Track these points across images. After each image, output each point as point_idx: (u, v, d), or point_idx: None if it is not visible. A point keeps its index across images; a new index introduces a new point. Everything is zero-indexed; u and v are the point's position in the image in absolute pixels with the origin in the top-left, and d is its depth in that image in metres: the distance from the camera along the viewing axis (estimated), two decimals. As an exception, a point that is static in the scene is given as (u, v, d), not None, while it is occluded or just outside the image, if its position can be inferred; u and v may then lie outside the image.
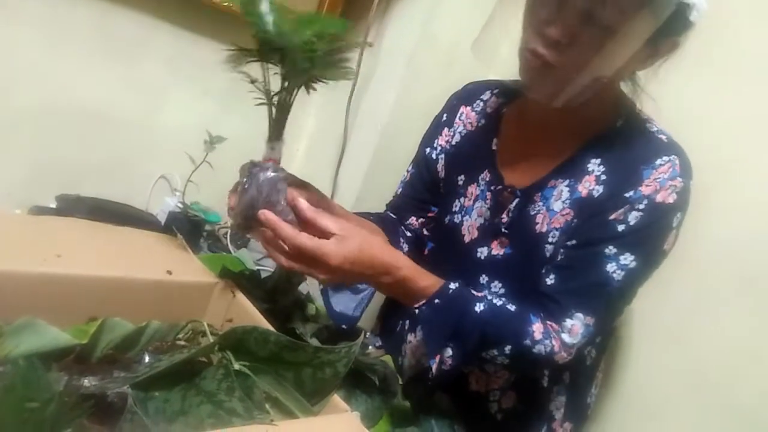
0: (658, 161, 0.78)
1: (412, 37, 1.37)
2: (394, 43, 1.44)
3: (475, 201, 0.92)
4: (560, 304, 0.80)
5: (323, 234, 0.73)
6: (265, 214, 0.73)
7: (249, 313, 0.74)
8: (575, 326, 0.79)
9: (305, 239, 0.72)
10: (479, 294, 0.83)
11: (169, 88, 1.33)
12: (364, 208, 1.41)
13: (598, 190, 0.80)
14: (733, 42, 1.02)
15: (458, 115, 1.00)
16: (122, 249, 0.79)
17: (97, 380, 0.56)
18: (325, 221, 0.74)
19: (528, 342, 0.79)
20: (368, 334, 1.01)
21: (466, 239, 0.93)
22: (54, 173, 1.22)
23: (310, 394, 0.62)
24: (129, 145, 1.31)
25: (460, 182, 0.95)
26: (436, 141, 1.02)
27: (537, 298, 0.82)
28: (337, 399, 0.64)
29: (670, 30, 0.72)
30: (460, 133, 0.99)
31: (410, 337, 0.97)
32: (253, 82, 0.74)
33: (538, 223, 0.85)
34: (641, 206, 0.77)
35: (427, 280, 0.81)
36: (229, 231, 1.33)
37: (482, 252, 0.90)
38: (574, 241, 0.81)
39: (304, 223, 0.74)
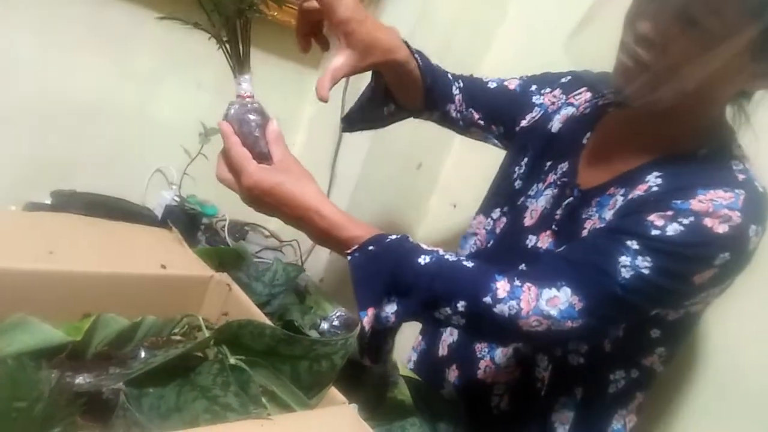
0: (720, 190, 0.70)
1: (411, 18, 1.36)
2: (392, 25, 1.42)
3: (547, 187, 0.90)
4: (551, 269, 0.73)
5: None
6: (221, 125, 0.75)
7: (245, 307, 0.73)
8: (557, 298, 0.70)
9: (237, 147, 0.74)
10: (429, 247, 0.75)
11: (162, 81, 1.31)
12: (363, 197, 1.41)
13: (641, 195, 0.75)
14: None
15: (577, 92, 0.96)
16: (116, 244, 0.78)
17: (91, 377, 0.56)
18: (275, 148, 0.75)
19: (488, 299, 0.70)
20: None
21: (526, 222, 0.90)
22: (49, 169, 1.21)
23: (307, 388, 0.62)
24: (124, 138, 1.30)
25: (547, 166, 0.92)
26: (545, 91, 0.99)
27: (527, 264, 0.77)
28: (334, 391, 0.63)
29: None
30: (566, 112, 0.95)
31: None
32: (197, 25, 0.75)
33: (585, 228, 0.81)
34: (685, 221, 0.69)
35: (359, 230, 0.74)
36: (227, 223, 1.32)
37: (531, 240, 0.88)
38: (603, 225, 0.77)
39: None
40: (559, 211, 0.86)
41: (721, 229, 0.68)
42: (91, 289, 0.67)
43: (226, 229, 1.30)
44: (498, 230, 0.96)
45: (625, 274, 0.69)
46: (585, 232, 0.80)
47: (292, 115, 1.52)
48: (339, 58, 0.81)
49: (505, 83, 1.03)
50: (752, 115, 0.79)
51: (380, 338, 0.74)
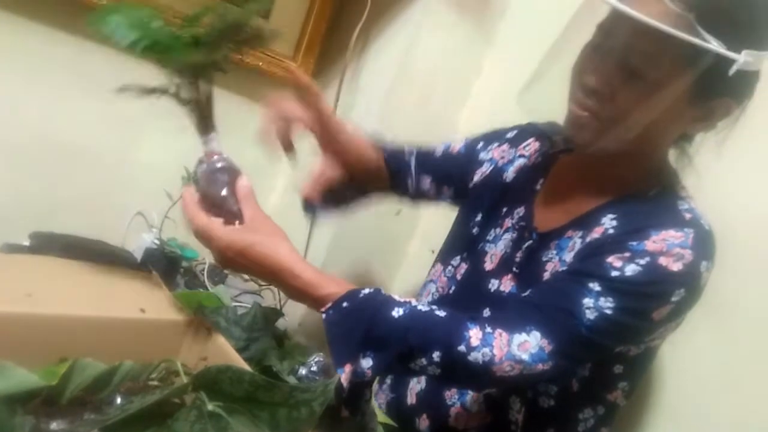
0: (671, 230, 0.74)
1: (390, 74, 1.40)
2: (372, 80, 1.46)
3: (505, 231, 0.93)
4: (520, 314, 0.75)
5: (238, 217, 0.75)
6: (184, 194, 0.75)
7: (224, 352, 0.73)
8: (527, 342, 0.72)
9: (198, 218, 0.73)
10: (401, 299, 0.76)
11: (145, 125, 1.32)
12: (343, 242, 1.42)
13: (600, 239, 0.78)
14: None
15: (525, 144, 1.00)
16: (95, 287, 0.78)
17: (65, 423, 0.55)
18: (245, 206, 0.75)
19: (462, 348, 0.71)
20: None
21: (487, 267, 0.92)
22: (28, 210, 1.20)
23: (285, 435, 0.61)
24: (105, 181, 1.30)
25: (503, 212, 0.95)
26: (492, 146, 1.03)
27: (491, 307, 0.80)
28: (313, 439, 0.63)
29: (715, 88, 0.73)
30: (516, 164, 0.99)
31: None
32: (158, 91, 0.77)
33: (546, 270, 0.83)
34: (642, 261, 0.72)
35: (332, 287, 0.74)
36: (206, 267, 1.31)
37: (493, 284, 0.90)
38: (565, 268, 0.80)
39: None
40: (518, 255, 0.88)
41: (676, 267, 0.72)
42: (69, 332, 0.66)
43: (205, 272, 1.30)
44: (459, 276, 0.98)
45: (590, 315, 0.72)
46: (546, 275, 0.83)
47: (269, 159, 1.54)
48: (324, 169, 0.93)
49: (451, 148, 1.08)
50: (694, 158, 0.84)
51: (357, 392, 0.75)
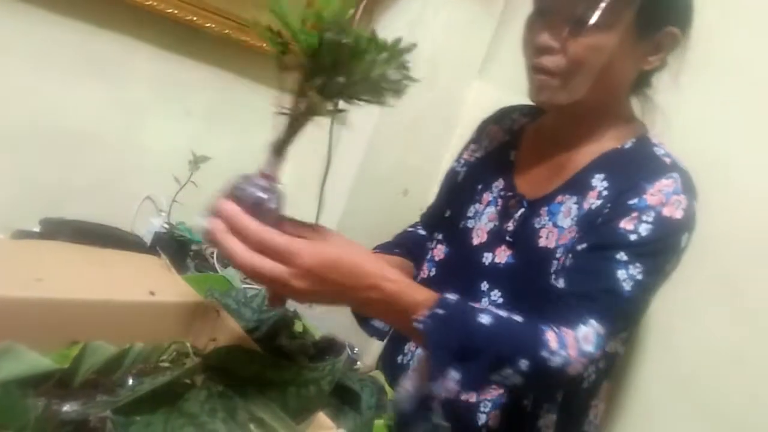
0: (661, 179, 0.78)
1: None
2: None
3: (487, 206, 0.94)
4: (574, 309, 0.75)
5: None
6: (229, 206, 0.60)
7: (233, 333, 0.73)
8: (589, 334, 0.73)
9: (273, 233, 0.60)
10: (479, 305, 0.74)
11: (152, 109, 1.33)
12: (350, 225, 1.42)
13: (596, 203, 0.81)
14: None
15: (485, 132, 1.04)
16: (105, 271, 0.79)
17: (78, 405, 0.56)
18: (305, 229, 0.64)
19: (545, 353, 0.70)
20: (356, 349, 1.00)
21: (475, 242, 0.93)
22: (38, 196, 1.21)
23: (295, 413, 0.62)
24: (113, 166, 1.31)
25: (478, 189, 0.97)
26: (462, 156, 1.06)
27: (546, 305, 0.77)
28: (322, 417, 0.63)
29: (659, 18, 0.76)
30: (485, 147, 1.02)
31: (400, 357, 0.96)
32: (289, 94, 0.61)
33: (542, 236, 0.85)
34: (650, 218, 0.76)
35: (424, 293, 0.70)
36: (216, 250, 1.32)
37: (487, 257, 0.91)
38: (584, 245, 0.79)
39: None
40: (510, 224, 0.89)
41: (678, 214, 0.77)
42: (80, 316, 0.67)
43: (215, 255, 1.31)
44: (437, 258, 0.99)
45: (627, 286, 0.75)
46: (542, 240, 0.84)
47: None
48: None
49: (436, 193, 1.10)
50: (657, 102, 0.88)
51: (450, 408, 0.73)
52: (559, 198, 0.85)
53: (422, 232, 1.09)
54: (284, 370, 0.62)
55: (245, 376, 0.62)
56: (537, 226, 0.86)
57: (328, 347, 0.94)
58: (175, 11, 1.24)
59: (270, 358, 0.62)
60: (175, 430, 0.55)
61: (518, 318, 0.73)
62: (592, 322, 0.74)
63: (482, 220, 0.94)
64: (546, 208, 0.86)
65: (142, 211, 1.36)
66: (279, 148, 0.63)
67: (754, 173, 1.01)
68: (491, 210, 0.93)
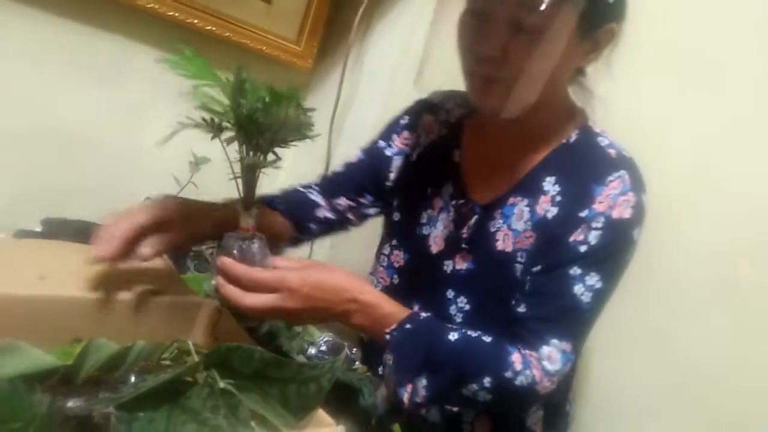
0: (609, 178, 0.79)
1: (393, 56, 1.40)
2: (376, 63, 1.46)
3: (440, 212, 0.93)
4: (534, 332, 0.79)
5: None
6: (222, 260, 0.72)
7: (234, 332, 0.74)
8: (552, 353, 0.78)
9: (261, 271, 0.72)
10: (452, 326, 0.81)
11: (152, 110, 1.34)
12: (347, 240, 1.43)
13: (553, 211, 0.81)
14: (688, 41, 1.05)
15: (421, 122, 1.00)
16: (106, 270, 0.79)
17: (82, 401, 0.56)
18: (289, 262, 0.76)
19: (509, 373, 0.76)
20: (354, 350, 1.01)
21: (434, 250, 0.92)
22: (39, 197, 1.22)
23: (295, 410, 0.63)
24: (114, 166, 1.32)
25: (428, 193, 0.95)
26: (393, 139, 1.02)
27: (511, 328, 0.81)
28: (322, 414, 0.64)
29: (599, 18, 0.75)
30: (422, 141, 0.99)
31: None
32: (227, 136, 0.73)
33: (498, 240, 0.85)
34: (599, 224, 0.78)
35: (393, 306, 0.78)
36: (215, 250, 1.33)
37: (448, 265, 0.90)
38: (539, 267, 0.81)
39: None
40: (464, 231, 0.88)
41: (627, 213, 0.78)
42: (82, 314, 0.68)
43: (214, 256, 1.31)
44: (397, 265, 0.98)
45: (586, 298, 0.77)
46: (499, 244, 0.85)
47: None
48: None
49: (349, 160, 1.06)
50: (593, 89, 0.87)
51: (417, 413, 0.80)
52: (511, 200, 0.85)
53: (314, 197, 1.03)
54: (285, 368, 0.63)
55: (246, 374, 0.63)
56: (492, 229, 0.86)
57: (327, 348, 0.95)
58: (176, 14, 1.26)
59: (270, 356, 0.62)
60: (178, 427, 0.56)
61: (487, 338, 0.78)
62: (554, 341, 0.78)
63: (438, 227, 0.92)
64: (499, 211, 0.86)
65: (142, 211, 1.36)
66: (246, 204, 0.74)
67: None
68: (444, 216, 0.92)
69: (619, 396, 1.12)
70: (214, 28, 1.32)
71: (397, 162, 1.01)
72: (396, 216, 0.98)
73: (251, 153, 0.71)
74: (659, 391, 1.07)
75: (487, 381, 0.75)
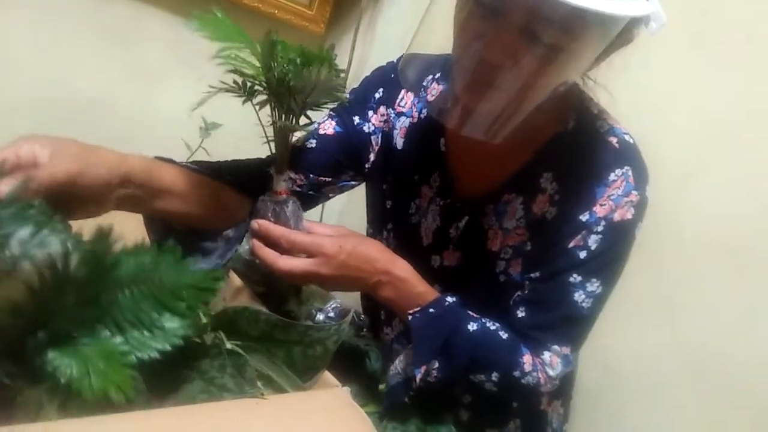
0: (611, 177, 0.75)
1: (405, 22, 1.38)
2: (387, 30, 1.44)
3: (429, 203, 0.88)
4: (535, 339, 0.79)
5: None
6: (258, 222, 0.74)
7: (242, 294, 0.75)
8: (553, 358, 0.79)
9: (300, 234, 0.73)
10: (474, 314, 0.80)
11: (164, 75, 1.33)
12: (356, 204, 1.43)
13: (551, 212, 0.78)
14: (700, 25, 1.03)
15: (398, 99, 0.90)
16: (114, 233, 0.80)
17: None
18: (325, 228, 0.78)
19: (517, 373, 0.77)
20: (362, 316, 1.02)
21: (424, 242, 0.89)
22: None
23: (301, 372, 0.64)
24: (124, 131, 1.31)
25: (415, 180, 0.89)
26: (369, 115, 0.91)
27: (440, 284, 0.81)
28: (328, 375, 0.65)
29: (624, 41, 0.69)
30: (403, 125, 0.90)
31: (386, 330, 0.96)
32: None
33: (489, 239, 0.82)
34: (599, 228, 0.75)
35: (423, 286, 0.78)
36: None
37: (436, 260, 0.88)
38: (537, 273, 0.79)
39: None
40: (452, 230, 0.85)
41: (629, 214, 0.75)
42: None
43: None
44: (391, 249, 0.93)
45: (586, 304, 0.77)
46: (489, 242, 0.82)
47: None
48: None
49: (322, 132, 0.90)
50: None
51: (426, 392, 0.79)
52: (506, 197, 0.81)
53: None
54: (291, 330, 0.64)
55: (253, 336, 0.64)
56: (485, 227, 0.83)
57: (335, 313, 0.96)
58: (187, -24, 1.24)
59: (276, 318, 0.63)
60: (185, 383, 0.57)
61: (504, 334, 0.79)
62: (555, 347, 0.79)
63: (429, 220, 0.88)
64: (492, 207, 0.82)
65: (154, 177, 1.37)
66: (278, 167, 0.75)
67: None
68: (435, 209, 0.87)
69: (625, 365, 1.12)
70: (225, -8, 1.30)
71: (375, 142, 0.91)
72: (388, 204, 0.93)
73: (283, 116, 0.72)
74: (667, 360, 1.07)
75: (495, 375, 0.77)
